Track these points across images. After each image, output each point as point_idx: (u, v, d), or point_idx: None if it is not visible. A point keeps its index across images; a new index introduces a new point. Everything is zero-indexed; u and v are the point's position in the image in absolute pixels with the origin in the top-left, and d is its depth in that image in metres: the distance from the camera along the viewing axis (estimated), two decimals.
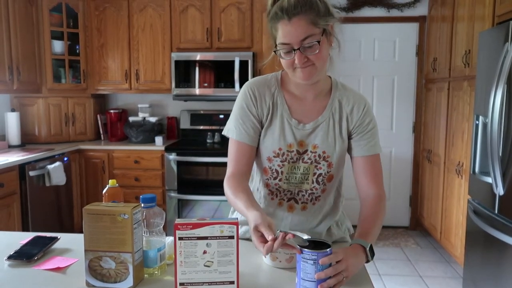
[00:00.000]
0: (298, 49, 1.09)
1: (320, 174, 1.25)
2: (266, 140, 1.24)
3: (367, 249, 1.06)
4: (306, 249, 0.94)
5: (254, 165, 1.31)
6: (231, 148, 1.25)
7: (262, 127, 1.24)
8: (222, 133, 1.29)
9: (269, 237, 0.93)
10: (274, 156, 1.23)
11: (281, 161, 1.23)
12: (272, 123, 1.23)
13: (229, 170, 1.24)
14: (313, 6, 1.08)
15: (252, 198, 1.12)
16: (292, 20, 1.07)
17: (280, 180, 1.25)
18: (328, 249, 0.95)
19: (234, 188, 1.17)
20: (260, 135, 1.25)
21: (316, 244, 0.97)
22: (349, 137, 1.26)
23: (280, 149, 1.22)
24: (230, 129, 1.25)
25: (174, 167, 3.69)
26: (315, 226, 1.32)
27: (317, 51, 1.09)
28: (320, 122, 1.23)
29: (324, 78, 1.25)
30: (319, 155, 1.23)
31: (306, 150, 1.23)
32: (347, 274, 0.96)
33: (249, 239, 1.33)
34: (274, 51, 1.15)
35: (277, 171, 1.24)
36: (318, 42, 1.08)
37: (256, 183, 1.33)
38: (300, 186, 1.26)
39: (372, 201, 1.20)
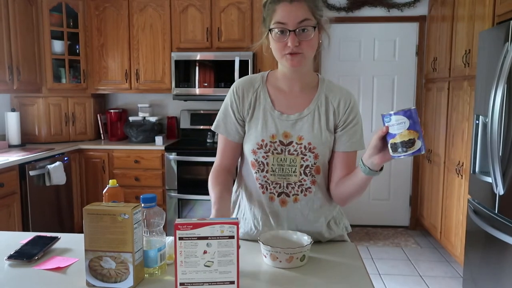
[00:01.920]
0: (294, 31, 1.14)
1: (307, 166, 1.26)
2: (251, 134, 1.28)
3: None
4: (398, 112, 0.96)
5: (246, 163, 1.33)
6: (219, 141, 1.37)
7: (245, 123, 1.31)
8: (212, 128, 1.37)
9: None
10: (258, 148, 1.26)
11: (264, 152, 1.26)
12: (254, 116, 1.29)
13: (215, 162, 1.36)
14: None
15: (223, 194, 1.23)
16: (293, 3, 1.15)
17: (267, 172, 1.27)
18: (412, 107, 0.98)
19: (213, 180, 1.29)
20: (244, 131, 1.32)
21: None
22: (334, 131, 1.29)
23: (263, 140, 1.26)
24: (216, 125, 1.35)
25: (174, 166, 3.69)
26: (314, 221, 1.31)
27: (311, 37, 1.16)
28: (305, 114, 1.26)
29: (310, 72, 1.31)
30: (305, 147, 1.25)
31: (292, 142, 1.25)
32: None
33: (248, 240, 1.33)
34: (270, 30, 1.18)
35: (263, 163, 1.27)
36: (313, 27, 1.16)
37: (250, 180, 1.33)
38: (288, 179, 1.27)
39: None
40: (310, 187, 1.28)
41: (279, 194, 1.28)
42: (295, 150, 1.25)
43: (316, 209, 1.31)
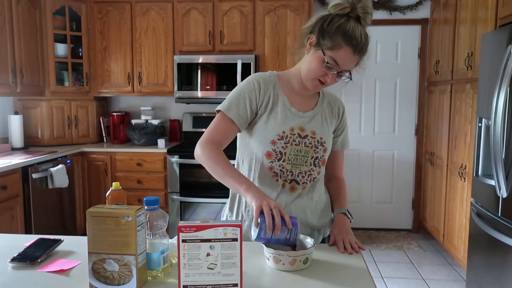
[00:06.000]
0: (338, 72, 1.29)
1: (317, 157, 1.41)
2: (270, 125, 1.36)
3: (347, 213, 1.39)
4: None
5: (252, 157, 1.39)
6: (219, 121, 1.36)
7: (256, 115, 1.38)
8: (216, 109, 1.38)
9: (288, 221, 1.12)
10: (278, 139, 1.36)
11: (284, 143, 1.36)
12: (274, 110, 1.38)
13: (207, 135, 1.36)
14: (366, 53, 1.32)
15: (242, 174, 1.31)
16: (355, 55, 1.28)
17: (284, 161, 1.37)
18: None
19: (216, 153, 1.30)
20: (250, 122, 1.38)
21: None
22: (333, 132, 1.47)
23: (283, 132, 1.36)
24: (224, 106, 1.36)
25: (177, 169, 3.69)
26: (318, 212, 1.44)
27: (343, 81, 1.32)
28: (316, 112, 1.43)
29: None
30: (317, 141, 1.39)
31: (307, 135, 1.39)
32: (350, 236, 1.29)
33: (251, 241, 1.33)
34: (321, 50, 1.28)
35: (281, 153, 1.36)
36: (351, 78, 1.32)
37: (255, 173, 1.40)
38: (300, 168, 1.39)
39: (338, 183, 1.53)
40: (316, 177, 1.43)
41: (290, 181, 1.39)
42: (310, 143, 1.38)
43: (320, 194, 1.47)
